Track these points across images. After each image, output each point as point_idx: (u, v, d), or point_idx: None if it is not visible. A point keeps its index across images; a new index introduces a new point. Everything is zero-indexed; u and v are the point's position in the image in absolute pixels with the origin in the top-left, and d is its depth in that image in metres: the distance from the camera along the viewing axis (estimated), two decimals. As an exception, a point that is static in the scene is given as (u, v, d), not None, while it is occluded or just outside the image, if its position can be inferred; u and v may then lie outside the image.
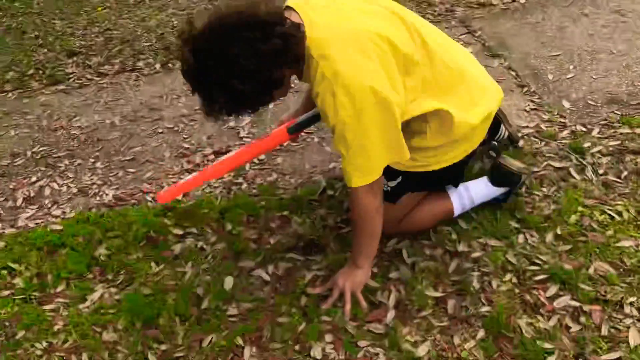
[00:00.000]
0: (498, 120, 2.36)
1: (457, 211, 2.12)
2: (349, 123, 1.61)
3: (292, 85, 1.79)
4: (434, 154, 1.89)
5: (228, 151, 2.70)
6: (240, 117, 1.70)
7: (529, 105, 2.73)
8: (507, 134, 2.38)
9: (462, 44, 3.22)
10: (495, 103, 1.97)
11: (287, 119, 2.15)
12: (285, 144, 2.63)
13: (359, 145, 1.64)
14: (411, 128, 1.81)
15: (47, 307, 2.05)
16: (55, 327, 1.97)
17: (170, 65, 3.45)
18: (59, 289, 2.10)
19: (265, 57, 1.54)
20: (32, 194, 2.59)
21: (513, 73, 2.97)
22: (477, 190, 2.14)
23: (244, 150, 2.12)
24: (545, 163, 2.38)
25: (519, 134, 2.49)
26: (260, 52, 1.53)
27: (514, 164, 2.19)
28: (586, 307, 1.82)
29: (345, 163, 1.69)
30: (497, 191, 2.17)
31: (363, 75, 1.59)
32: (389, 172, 1.90)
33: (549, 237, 2.06)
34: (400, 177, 1.93)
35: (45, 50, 3.75)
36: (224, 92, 1.57)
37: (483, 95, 1.93)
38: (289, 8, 1.70)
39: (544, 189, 2.26)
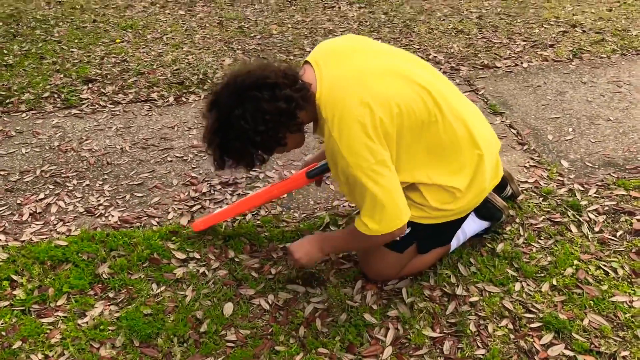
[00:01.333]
0: (505, 180, 2.44)
1: (453, 247, 2.19)
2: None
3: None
4: (438, 212, 1.95)
5: (235, 183, 2.74)
6: (236, 169, 1.80)
7: (528, 162, 2.81)
8: (510, 191, 2.46)
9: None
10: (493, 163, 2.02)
11: (310, 160, 2.27)
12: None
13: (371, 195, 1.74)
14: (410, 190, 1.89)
15: (45, 320, 2.04)
16: (52, 340, 1.96)
17: (183, 98, 3.53)
18: (59, 303, 2.10)
19: (268, 117, 1.64)
20: (38, 210, 2.60)
21: (514, 131, 3.07)
22: (469, 226, 2.22)
23: (267, 190, 2.30)
24: (543, 217, 2.44)
25: (519, 188, 2.56)
26: (264, 112, 1.63)
27: (498, 200, 2.27)
28: (580, 358, 1.84)
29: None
30: (482, 225, 2.25)
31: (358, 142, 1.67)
32: None
33: (545, 287, 2.10)
34: (409, 227, 1.96)
35: (62, 75, 3.83)
36: (218, 146, 1.70)
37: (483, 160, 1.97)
38: (306, 63, 1.79)
39: (541, 241, 2.31)
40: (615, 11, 4.63)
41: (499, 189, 2.41)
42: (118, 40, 4.38)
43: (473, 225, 2.25)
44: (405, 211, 1.74)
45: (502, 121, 3.17)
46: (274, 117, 1.64)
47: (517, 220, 2.43)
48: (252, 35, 4.41)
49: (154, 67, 3.93)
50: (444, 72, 3.74)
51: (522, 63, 3.83)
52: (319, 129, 1.75)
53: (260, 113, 1.63)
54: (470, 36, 4.28)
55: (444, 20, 4.61)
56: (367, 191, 1.69)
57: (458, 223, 2.05)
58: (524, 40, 4.16)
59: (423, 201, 1.88)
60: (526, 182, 2.66)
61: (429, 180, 1.83)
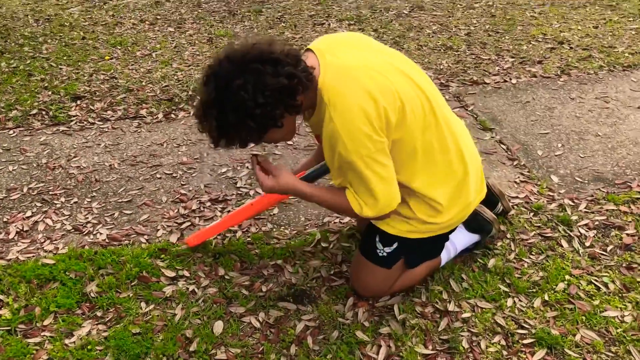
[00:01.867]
0: (495, 196, 2.45)
1: (443, 262, 2.19)
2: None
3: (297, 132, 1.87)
4: (425, 226, 1.94)
5: (225, 200, 2.74)
6: (230, 147, 1.73)
7: (518, 177, 2.83)
8: (502, 208, 2.47)
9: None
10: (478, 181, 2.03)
11: (298, 169, 2.22)
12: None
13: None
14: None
15: (32, 340, 2.01)
16: (39, 361, 1.93)
17: (172, 115, 3.53)
18: (46, 322, 2.07)
19: (268, 92, 1.60)
20: (25, 228, 2.58)
21: (504, 146, 3.09)
22: (459, 239, 2.22)
23: (258, 201, 2.29)
24: (534, 232, 2.44)
25: (510, 204, 2.57)
26: (265, 86, 1.59)
27: (488, 213, 2.28)
28: (573, 373, 1.84)
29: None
30: (472, 238, 2.26)
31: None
32: (386, 238, 1.95)
33: (537, 302, 2.10)
34: (397, 242, 1.97)
35: (50, 92, 3.82)
36: (215, 119, 1.63)
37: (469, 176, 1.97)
38: (309, 50, 1.77)
39: (533, 257, 2.31)
40: (602, 28, 4.70)
41: (490, 205, 2.42)
42: (107, 57, 4.38)
43: (463, 239, 2.26)
44: (397, 197, 1.76)
45: (492, 137, 3.19)
46: (275, 92, 1.60)
47: (508, 235, 2.43)
48: (241, 52, 4.42)
49: (143, 83, 3.93)
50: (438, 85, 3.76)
51: (511, 79, 3.87)
52: (316, 114, 1.72)
53: (262, 86, 1.59)
54: (459, 52, 4.32)
55: (433, 36, 4.65)
56: (362, 178, 1.69)
57: (445, 237, 2.05)
58: (513, 57, 4.20)
59: (410, 214, 1.88)
60: (517, 197, 2.67)
61: (409, 182, 1.81)
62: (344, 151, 1.65)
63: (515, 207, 2.60)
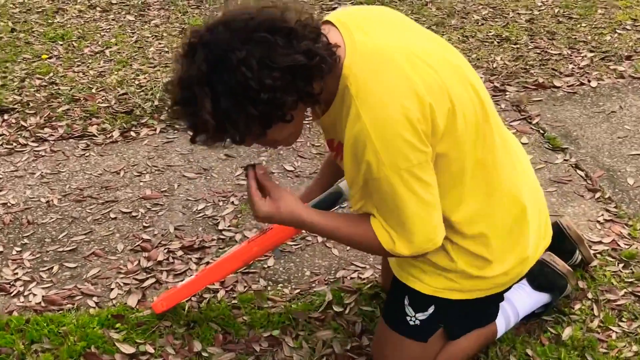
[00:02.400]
0: (572, 242, 2.46)
1: (500, 332, 2.19)
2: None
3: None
4: (471, 282, 1.94)
5: (202, 247, 2.76)
6: (222, 143, 1.66)
7: (602, 215, 2.84)
8: (580, 257, 2.48)
9: (514, 133, 3.40)
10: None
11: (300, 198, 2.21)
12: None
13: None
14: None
15: None
16: None
17: (132, 133, 3.58)
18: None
19: (278, 72, 1.53)
20: None
21: (581, 173, 3.10)
22: (521, 300, 2.22)
23: (245, 248, 2.28)
24: (625, 291, 2.45)
25: (591, 252, 2.57)
26: (274, 63, 1.53)
27: (560, 263, 2.28)
28: None
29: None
30: (540, 299, 2.25)
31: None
32: (418, 299, 1.96)
33: (631, 387, 2.09)
34: (433, 306, 1.97)
35: (-32, 104, 3.89)
36: (211, 101, 1.55)
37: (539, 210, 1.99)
38: (327, 23, 1.72)
39: (623, 325, 2.31)
40: None
41: (564, 254, 2.42)
42: (45, 56, 4.46)
43: (528, 300, 2.26)
44: (441, 231, 1.74)
45: (564, 160, 3.21)
46: (287, 73, 1.54)
47: (590, 295, 2.43)
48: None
49: (93, 91, 3.99)
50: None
51: (589, 81, 3.89)
52: (333, 110, 1.69)
53: (270, 62, 1.52)
54: (518, 46, 4.37)
55: (482, 24, 4.71)
56: (397, 200, 1.66)
57: (500, 297, 2.05)
58: (592, 51, 4.24)
59: (449, 264, 1.88)
60: (600, 242, 2.68)
61: (449, 214, 1.79)
62: (374, 162, 1.62)
63: (599, 255, 2.60)
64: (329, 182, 2.18)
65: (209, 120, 1.56)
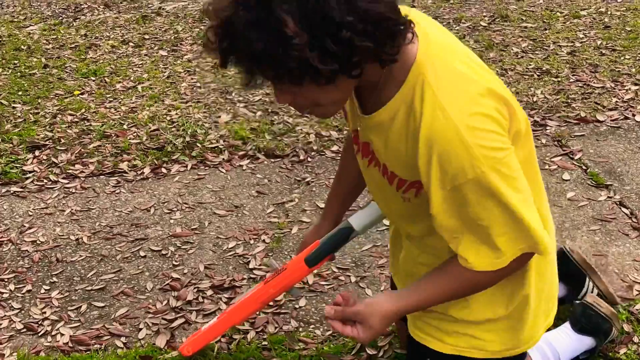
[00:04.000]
0: (581, 272, 2.43)
1: None
2: None
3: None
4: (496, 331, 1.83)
5: (233, 286, 2.77)
6: (278, 84, 1.48)
7: (648, 254, 2.81)
8: (596, 291, 2.44)
9: (556, 169, 3.38)
10: None
11: (309, 240, 2.19)
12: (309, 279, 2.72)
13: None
14: None
15: None
16: None
17: (163, 169, 3.62)
18: None
19: (363, 13, 1.38)
20: (-40, 327, 2.65)
21: (626, 211, 3.07)
22: (563, 344, 2.18)
23: (261, 290, 2.27)
24: (674, 336, 2.40)
25: (634, 293, 2.53)
26: (357, 5, 1.38)
27: (603, 305, 2.25)
28: None
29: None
30: (583, 344, 2.22)
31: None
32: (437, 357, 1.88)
33: None
34: None
35: None
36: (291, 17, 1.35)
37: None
38: None
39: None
40: None
41: (571, 279, 2.41)
42: (77, 92, 4.55)
43: (570, 344, 2.23)
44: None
45: (608, 197, 3.18)
46: (368, 20, 1.39)
47: (635, 339, 2.39)
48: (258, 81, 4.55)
49: (125, 127, 4.05)
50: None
51: (634, 115, 3.87)
52: (398, 102, 1.55)
53: (354, 2, 1.38)
54: (559, 79, 4.36)
55: (522, 57, 4.71)
56: (502, 204, 1.51)
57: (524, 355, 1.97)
58: (636, 84, 4.21)
59: (467, 315, 1.79)
60: (646, 283, 2.64)
61: None
62: (467, 162, 1.46)
63: (645, 297, 2.57)
64: (339, 214, 2.15)
65: (295, 42, 1.35)
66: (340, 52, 1.38)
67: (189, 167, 3.65)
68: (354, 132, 1.76)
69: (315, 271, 2.58)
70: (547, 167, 3.45)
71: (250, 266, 2.89)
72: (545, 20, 5.34)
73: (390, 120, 1.57)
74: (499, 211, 1.51)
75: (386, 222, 2.78)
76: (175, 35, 5.48)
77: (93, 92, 4.55)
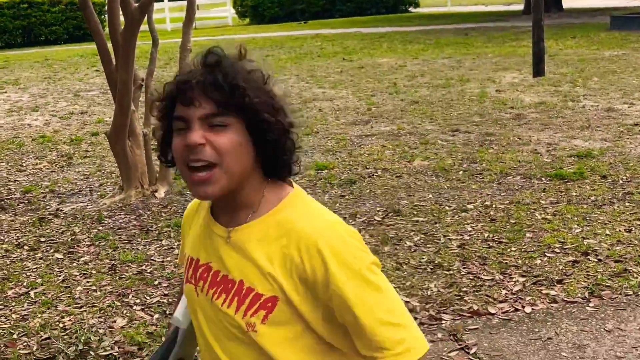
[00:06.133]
0: None
1: None
2: None
3: None
4: None
5: None
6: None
7: None
8: None
9: (452, 366, 3.40)
10: None
11: None
12: None
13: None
14: None
15: None
16: None
17: (53, 383, 3.46)
18: None
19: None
20: None
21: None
22: None
23: None
24: None
25: None
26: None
27: None
28: None
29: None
30: None
31: None
32: None
33: None
34: None
35: None
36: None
37: None
38: None
39: None
40: (637, 231, 4.98)
41: None
42: (-35, 301, 4.38)
43: None
44: None
45: (504, 392, 3.19)
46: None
47: None
48: (156, 282, 4.50)
49: (15, 337, 3.90)
50: (421, 323, 3.82)
51: (523, 307, 3.97)
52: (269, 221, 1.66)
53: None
54: (451, 272, 4.47)
55: (415, 250, 4.84)
56: (382, 292, 1.62)
57: None
58: (523, 275, 4.36)
59: None
60: None
61: None
62: (338, 264, 1.59)
63: None
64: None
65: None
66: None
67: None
68: None
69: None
70: (444, 363, 3.47)
71: None
72: (435, 214, 5.55)
73: (247, 242, 1.66)
74: (387, 299, 1.64)
75: None
76: (73, 237, 5.43)
77: (-17, 300, 4.39)
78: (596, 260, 4.53)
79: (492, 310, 3.96)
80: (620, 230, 5.01)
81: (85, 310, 4.17)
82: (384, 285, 1.62)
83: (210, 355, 1.73)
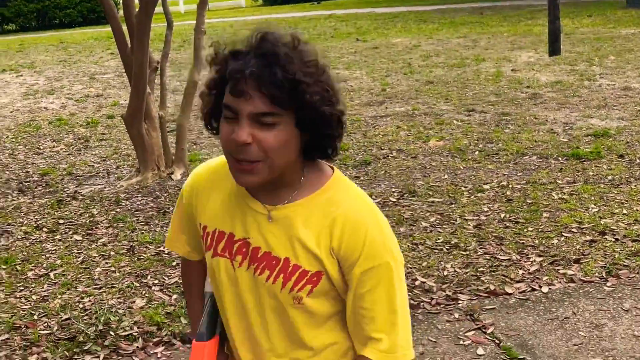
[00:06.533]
0: None
1: None
2: None
3: None
4: None
5: None
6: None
7: None
8: None
9: (470, 344, 3.41)
10: None
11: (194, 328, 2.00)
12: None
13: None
14: None
15: None
16: None
17: (75, 362, 3.50)
18: None
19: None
20: None
21: (540, 385, 3.09)
22: None
23: None
24: None
25: None
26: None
27: None
28: None
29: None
30: None
31: None
32: None
33: None
34: None
35: None
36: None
37: None
38: None
39: None
40: (654, 210, 4.96)
41: None
42: (-14, 282, 4.43)
43: None
44: None
45: (522, 371, 3.20)
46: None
47: None
48: (174, 263, 4.53)
49: (35, 317, 3.93)
50: (437, 304, 3.83)
51: (540, 287, 3.97)
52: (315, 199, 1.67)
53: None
54: (468, 252, 4.47)
55: (431, 231, 4.84)
56: (394, 296, 1.66)
57: None
58: (540, 255, 4.36)
59: None
60: None
61: None
62: (379, 239, 1.65)
63: None
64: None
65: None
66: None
67: (101, 358, 3.52)
68: None
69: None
70: (461, 342, 3.47)
71: None
72: (451, 195, 5.55)
73: (295, 218, 1.68)
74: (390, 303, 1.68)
75: None
76: (91, 219, 5.46)
77: (3, 281, 4.43)
78: (613, 239, 4.52)
79: (509, 290, 3.96)
80: (637, 210, 4.98)
81: (104, 291, 4.20)
82: (397, 285, 1.65)
83: (240, 323, 1.76)
